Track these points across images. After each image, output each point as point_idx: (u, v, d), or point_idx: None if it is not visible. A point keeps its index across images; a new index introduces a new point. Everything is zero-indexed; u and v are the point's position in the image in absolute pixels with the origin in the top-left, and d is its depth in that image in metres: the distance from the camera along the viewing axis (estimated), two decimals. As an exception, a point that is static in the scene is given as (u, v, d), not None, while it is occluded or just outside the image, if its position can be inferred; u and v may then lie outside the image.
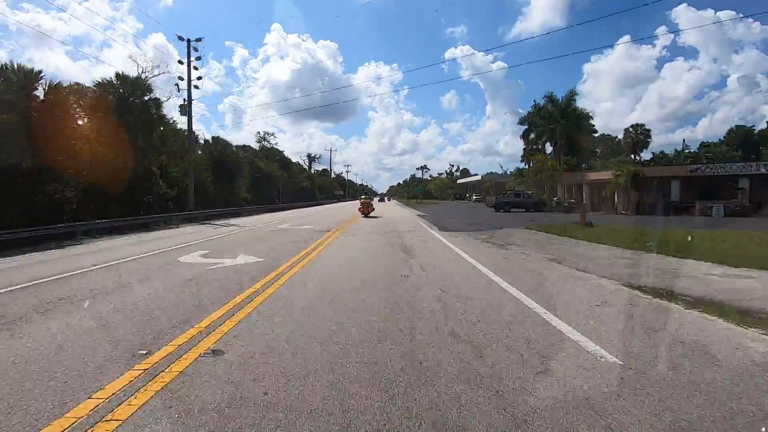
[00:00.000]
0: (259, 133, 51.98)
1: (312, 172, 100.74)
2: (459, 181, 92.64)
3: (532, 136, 55.12)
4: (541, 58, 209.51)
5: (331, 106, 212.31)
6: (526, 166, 66.08)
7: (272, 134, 52.60)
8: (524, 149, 68.50)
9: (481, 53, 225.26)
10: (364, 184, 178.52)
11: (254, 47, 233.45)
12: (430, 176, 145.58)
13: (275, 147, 52.07)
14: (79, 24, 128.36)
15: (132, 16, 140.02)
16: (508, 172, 60.10)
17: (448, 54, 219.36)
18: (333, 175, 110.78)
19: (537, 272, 7.12)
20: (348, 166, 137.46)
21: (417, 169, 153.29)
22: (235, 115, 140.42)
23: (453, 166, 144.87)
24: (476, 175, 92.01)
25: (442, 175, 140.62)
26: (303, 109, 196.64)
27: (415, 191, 69.54)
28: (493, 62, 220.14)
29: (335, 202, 75.79)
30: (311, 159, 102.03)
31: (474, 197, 65.72)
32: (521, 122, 57.12)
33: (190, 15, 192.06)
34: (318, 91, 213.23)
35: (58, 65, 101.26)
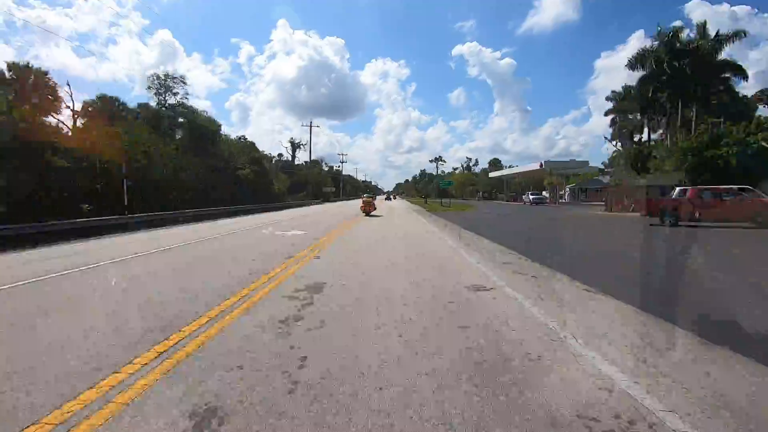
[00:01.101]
0: (154, 75, 28.11)
1: (301, 162, 76.90)
2: (492, 175, 68.24)
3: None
4: (552, 53, 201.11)
5: (338, 103, 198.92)
6: (617, 147, 41.13)
7: (182, 78, 27.37)
8: (613, 118, 43.83)
9: (489, 50, 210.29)
10: (367, 180, 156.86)
11: (260, 44, 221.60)
12: (443, 171, 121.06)
13: (185, 101, 28.18)
14: (85, 20, 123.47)
15: (137, 12, 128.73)
16: (604, 166, 35.55)
17: (456, 51, 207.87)
18: (324, 167, 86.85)
19: None
20: (344, 154, 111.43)
21: (430, 161, 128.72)
22: (241, 112, 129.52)
23: (470, 159, 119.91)
24: (513, 166, 67.74)
25: (458, 170, 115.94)
26: (309, 105, 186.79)
27: (440, 185, 44.28)
28: (501, 59, 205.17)
29: (318, 204, 52.03)
30: (295, 146, 78.53)
31: (530, 197, 41.43)
32: (632, 65, 32.38)
33: (194, 11, 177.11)
34: (324, 88, 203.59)
35: (65, 62, 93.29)
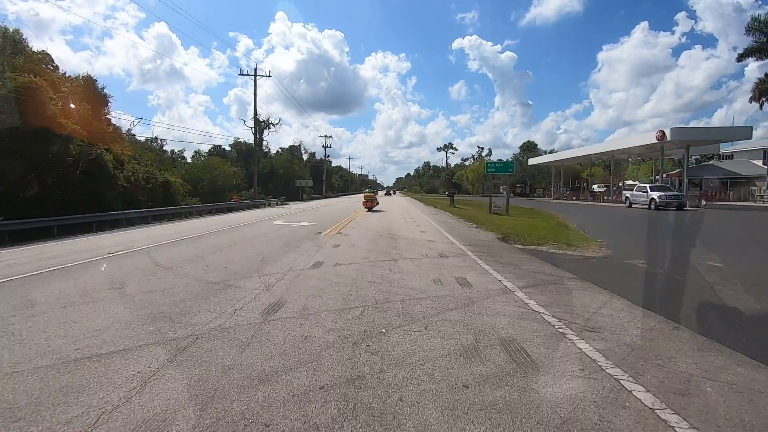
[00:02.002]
0: None
1: (277, 149, 56.82)
2: (533, 162, 48.32)
3: None
4: (554, 46, 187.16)
5: (338, 97, 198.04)
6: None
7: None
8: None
9: (489, 43, 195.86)
10: (364, 174, 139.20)
11: (258, 37, 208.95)
12: (448, 164, 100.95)
13: None
14: (80, 12, 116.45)
15: (133, 5, 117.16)
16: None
17: (456, 44, 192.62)
18: (305, 155, 66.71)
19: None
20: (328, 137, 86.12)
21: (438, 149, 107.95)
22: (240, 106, 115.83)
23: (482, 149, 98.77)
24: (553, 151, 48.12)
25: (468, 161, 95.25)
26: (308, 99, 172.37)
27: (489, 170, 23.27)
28: (502, 52, 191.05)
29: (266, 207, 32.71)
30: (261, 125, 57.84)
31: (655, 194, 21.60)
32: None
33: (191, 4, 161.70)
34: (324, 82, 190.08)
35: (59, 56, 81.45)
